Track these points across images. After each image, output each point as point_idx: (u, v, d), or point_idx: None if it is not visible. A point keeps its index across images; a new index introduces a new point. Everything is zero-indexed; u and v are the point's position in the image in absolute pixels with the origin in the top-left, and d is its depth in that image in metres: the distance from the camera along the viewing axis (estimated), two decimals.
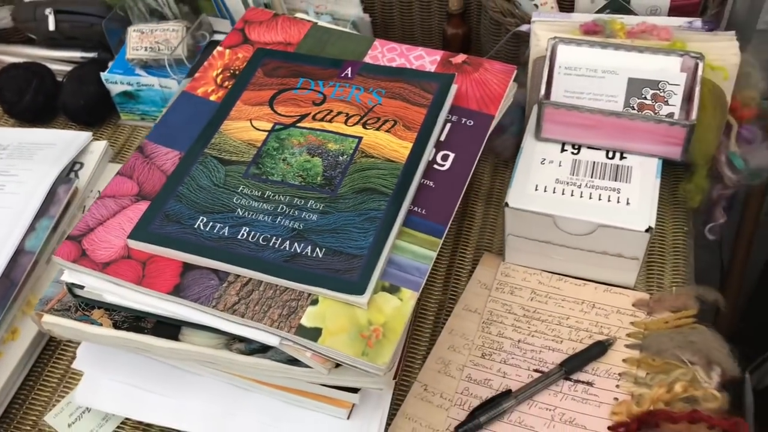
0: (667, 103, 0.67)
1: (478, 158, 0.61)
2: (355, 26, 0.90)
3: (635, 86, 0.67)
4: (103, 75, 0.88)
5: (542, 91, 0.69)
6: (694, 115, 0.66)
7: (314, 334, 0.51)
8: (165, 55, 0.84)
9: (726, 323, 1.06)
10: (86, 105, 0.89)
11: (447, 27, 0.89)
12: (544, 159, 0.70)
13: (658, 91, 0.67)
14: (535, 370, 0.65)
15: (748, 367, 0.88)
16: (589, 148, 0.70)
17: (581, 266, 0.69)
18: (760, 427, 0.94)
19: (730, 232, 1.05)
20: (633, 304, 0.68)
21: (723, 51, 0.68)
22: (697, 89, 0.66)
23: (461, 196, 0.59)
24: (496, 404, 0.62)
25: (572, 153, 0.70)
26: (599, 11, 0.77)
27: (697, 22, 0.72)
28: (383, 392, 0.60)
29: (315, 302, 0.52)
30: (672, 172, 0.77)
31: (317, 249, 0.54)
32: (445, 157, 0.61)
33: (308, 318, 0.52)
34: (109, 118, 0.93)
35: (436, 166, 0.61)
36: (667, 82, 0.66)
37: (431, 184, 0.60)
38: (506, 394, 0.63)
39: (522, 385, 0.63)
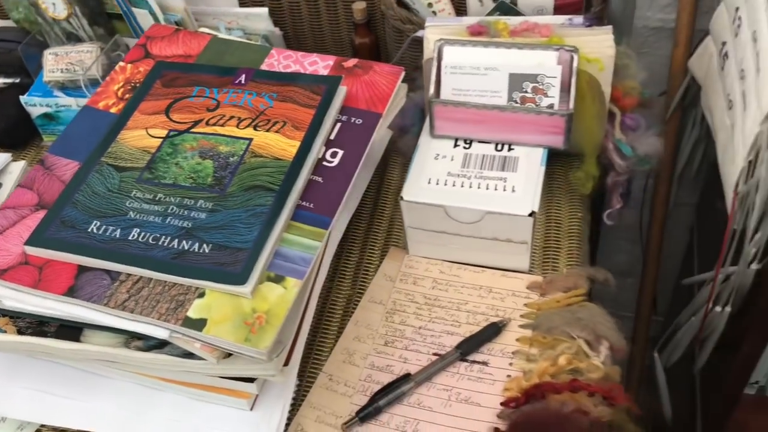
0: (546, 95, 0.71)
1: (366, 153, 0.65)
2: (267, 40, 0.94)
3: (516, 81, 0.71)
4: (23, 98, 0.90)
5: (431, 90, 0.73)
6: (571, 104, 0.70)
7: (200, 324, 0.53)
8: (80, 76, 0.87)
9: (646, 307, 1.11)
10: (7, 128, 0.92)
11: (354, 37, 0.93)
12: (438, 154, 0.74)
13: (537, 84, 0.71)
14: (434, 354, 0.67)
15: (656, 347, 0.92)
16: (479, 142, 0.74)
17: (477, 254, 0.73)
18: (682, 405, 0.98)
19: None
20: (527, 287, 0.71)
21: (599, 44, 0.72)
22: (573, 80, 0.70)
23: (349, 189, 0.62)
24: (395, 388, 0.64)
25: (464, 147, 0.74)
26: (489, 14, 0.82)
27: (578, 18, 0.76)
28: (286, 383, 0.63)
29: (202, 295, 0.55)
30: (566, 162, 0.81)
31: (204, 245, 0.57)
32: (334, 154, 0.65)
33: (194, 310, 0.54)
34: (32, 140, 0.95)
35: (325, 163, 0.64)
36: (545, 75, 0.70)
37: (320, 179, 0.63)
38: (405, 377, 0.65)
39: (420, 369, 0.66)
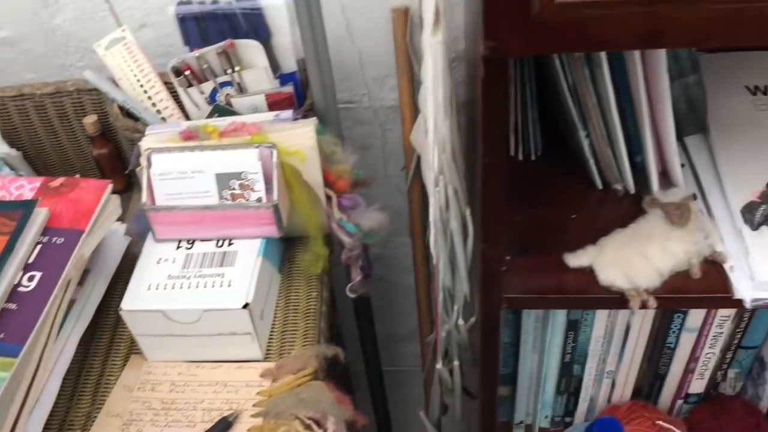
0: (253, 190, 0.75)
1: (65, 273, 0.65)
2: (6, 163, 0.93)
3: (223, 180, 0.75)
4: None
5: (144, 198, 0.75)
6: (275, 196, 0.74)
7: None
8: None
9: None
10: None
11: (93, 149, 0.94)
12: (161, 258, 0.75)
13: (243, 181, 0.75)
14: None
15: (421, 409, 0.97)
16: (201, 241, 0.77)
17: (211, 350, 0.74)
18: None
19: None
20: (260, 375, 0.74)
21: (300, 137, 0.78)
22: (275, 174, 0.74)
23: (43, 313, 0.62)
24: None
25: (186, 248, 0.76)
26: (208, 116, 0.86)
27: (285, 114, 0.82)
28: None
29: None
30: (301, 246, 0.85)
31: None
32: (31, 278, 0.65)
33: None
34: None
35: (21, 288, 0.64)
36: (248, 172, 0.74)
37: (14, 306, 0.63)
38: None
39: None
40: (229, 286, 0.72)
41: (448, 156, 0.60)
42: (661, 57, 0.67)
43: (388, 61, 1.02)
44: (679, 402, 0.95)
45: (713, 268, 0.71)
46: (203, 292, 0.71)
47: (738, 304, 0.69)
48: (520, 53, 0.51)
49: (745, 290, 0.68)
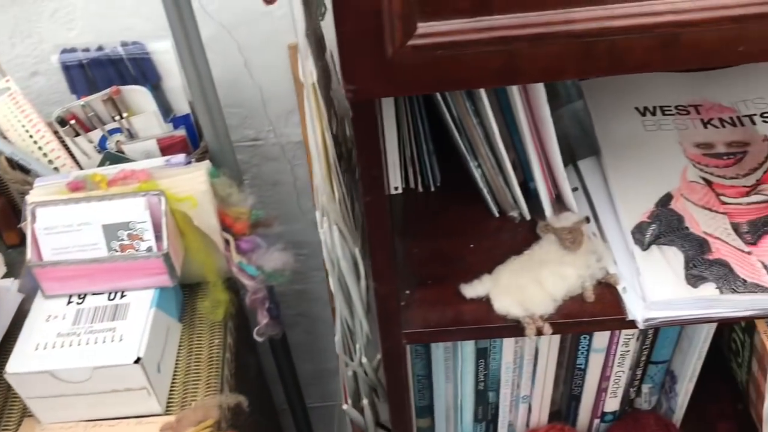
0: (142, 239, 0.73)
1: None
2: None
3: (111, 231, 0.73)
4: None
5: (29, 254, 0.73)
6: (165, 245, 0.72)
7: None
8: None
9: None
10: None
11: None
12: (50, 315, 0.73)
13: (132, 231, 0.73)
14: None
15: None
16: (93, 294, 0.74)
17: (108, 408, 0.72)
18: None
19: None
20: (160, 430, 0.71)
21: (192, 182, 0.76)
22: (164, 221, 0.73)
23: None
24: None
25: (77, 303, 0.74)
26: (100, 164, 0.83)
27: (177, 158, 0.80)
28: None
29: None
30: (203, 293, 0.83)
31: None
32: None
33: None
34: None
35: None
36: (136, 221, 0.73)
37: None
38: None
39: None
40: (121, 340, 0.69)
41: (329, 196, 0.59)
42: (539, 86, 0.68)
43: (290, 97, 1.02)
44: (596, 421, 0.96)
45: (607, 290, 0.72)
46: (93, 349, 0.69)
47: (631, 325, 0.69)
48: (384, 95, 0.51)
49: (637, 311, 0.69)
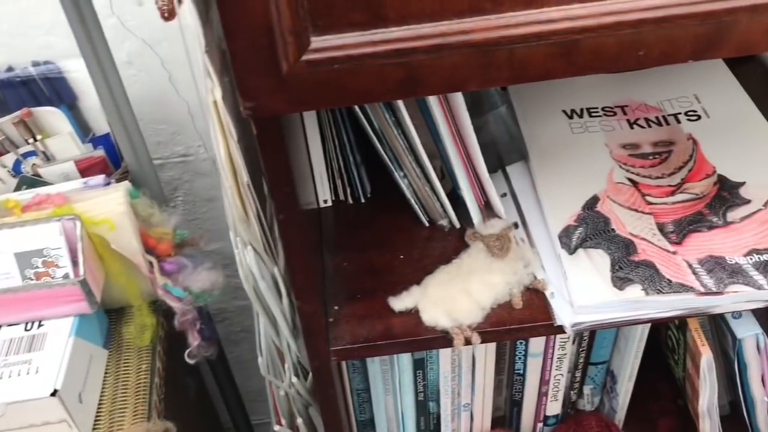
0: (58, 266, 0.70)
1: None
2: None
3: (24, 259, 0.70)
4: None
5: None
6: (81, 270, 0.70)
7: None
8: None
9: None
10: None
11: None
12: None
13: (46, 258, 0.70)
14: None
15: None
16: (9, 326, 0.72)
17: None
18: None
19: None
20: None
21: (109, 204, 0.74)
22: (80, 246, 0.70)
23: None
24: None
25: None
26: (16, 189, 0.80)
27: (95, 179, 0.78)
28: None
29: None
30: (131, 319, 0.81)
31: None
32: None
33: None
34: None
35: None
36: (50, 248, 0.70)
37: None
38: None
39: None
40: (37, 372, 0.67)
41: (240, 216, 0.57)
42: (457, 94, 0.67)
43: None
44: (539, 425, 0.95)
45: (535, 296, 0.71)
46: (7, 384, 0.66)
47: (560, 330, 0.69)
48: (283, 112, 0.50)
49: (565, 316, 0.69)
